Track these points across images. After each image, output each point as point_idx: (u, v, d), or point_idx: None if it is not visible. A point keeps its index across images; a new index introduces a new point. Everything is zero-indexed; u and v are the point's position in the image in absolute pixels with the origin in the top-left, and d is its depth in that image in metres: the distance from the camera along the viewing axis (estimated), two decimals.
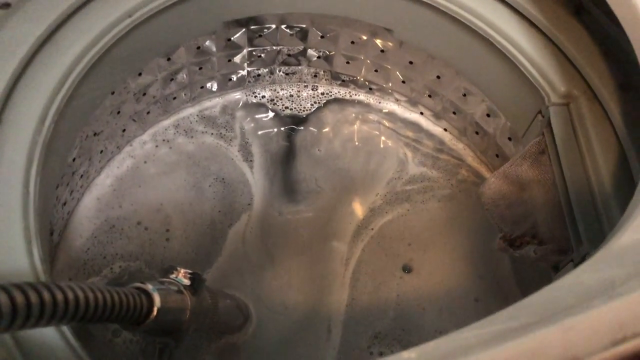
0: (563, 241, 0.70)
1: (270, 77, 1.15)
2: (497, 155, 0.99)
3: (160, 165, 1.05)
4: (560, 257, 0.70)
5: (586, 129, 0.69)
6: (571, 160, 0.69)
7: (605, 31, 0.74)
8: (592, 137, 0.68)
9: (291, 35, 1.03)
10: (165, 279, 0.65)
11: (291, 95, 1.17)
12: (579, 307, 0.34)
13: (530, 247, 0.75)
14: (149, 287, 0.56)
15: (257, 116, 1.14)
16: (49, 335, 0.52)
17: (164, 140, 1.08)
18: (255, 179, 1.05)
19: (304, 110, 1.16)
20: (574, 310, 0.34)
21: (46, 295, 0.39)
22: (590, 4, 0.75)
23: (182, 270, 0.66)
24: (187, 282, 0.66)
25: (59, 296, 0.41)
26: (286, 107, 1.16)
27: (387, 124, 1.14)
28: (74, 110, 0.72)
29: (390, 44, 0.99)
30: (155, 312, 0.55)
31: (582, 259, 0.63)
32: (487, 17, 0.78)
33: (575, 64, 0.73)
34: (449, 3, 0.80)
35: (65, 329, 0.53)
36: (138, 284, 0.57)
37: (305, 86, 1.18)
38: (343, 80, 1.14)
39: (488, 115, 0.96)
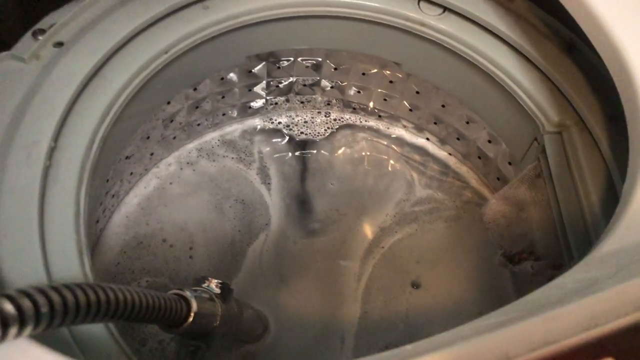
0: (557, 257, 0.76)
1: (286, 104, 1.23)
2: (498, 179, 1.06)
3: (184, 186, 1.13)
4: (555, 271, 0.77)
5: (577, 156, 0.76)
6: (564, 184, 0.76)
7: (594, 67, 0.81)
8: (583, 162, 0.75)
9: (306, 67, 1.11)
10: (198, 288, 0.72)
11: (306, 121, 1.25)
12: (560, 303, 0.41)
13: (528, 262, 0.81)
14: (187, 293, 0.63)
15: (274, 140, 1.22)
16: (96, 331, 0.59)
17: (187, 162, 1.16)
18: (273, 200, 1.13)
19: (317, 135, 1.23)
20: (555, 305, 0.41)
21: (111, 295, 0.47)
22: (581, 43, 0.83)
23: (213, 280, 0.73)
24: (217, 290, 0.73)
25: (120, 296, 0.48)
26: (301, 132, 1.23)
27: (395, 148, 1.22)
28: (115, 136, 0.80)
29: (398, 75, 1.08)
30: (192, 316, 0.62)
31: None
32: (487, 54, 0.86)
33: (567, 96, 0.81)
34: (453, 41, 0.88)
35: (113, 329, 0.60)
36: (177, 291, 0.64)
37: (319, 113, 1.26)
38: (354, 108, 1.23)
39: (489, 142, 1.03)
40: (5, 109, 0.68)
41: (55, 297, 0.41)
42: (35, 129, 0.67)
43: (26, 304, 0.38)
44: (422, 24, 0.89)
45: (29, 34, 0.75)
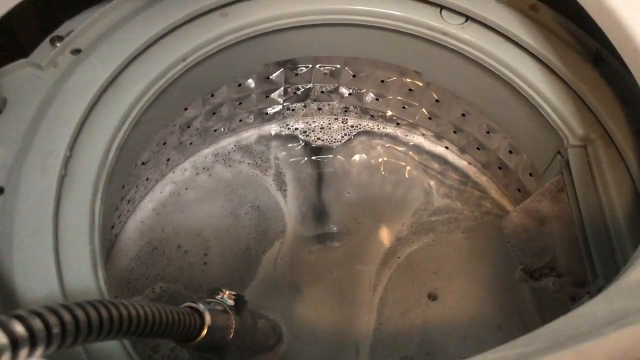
0: (580, 274, 0.74)
1: (303, 110, 1.22)
2: (518, 190, 1.04)
3: (200, 192, 1.12)
4: (577, 289, 0.75)
5: (602, 171, 0.74)
6: (588, 199, 0.74)
7: (621, 80, 0.79)
8: (608, 178, 0.73)
9: (325, 74, 1.10)
10: (211, 300, 0.71)
11: (322, 127, 1.24)
12: (591, 334, 0.39)
13: (549, 279, 0.79)
14: (201, 307, 0.62)
15: (290, 146, 1.21)
16: (112, 347, 0.58)
17: (203, 168, 1.15)
18: (289, 208, 1.11)
19: (334, 142, 1.22)
20: (586, 337, 0.39)
21: (123, 311, 0.46)
22: (608, 54, 0.81)
23: (227, 292, 0.72)
24: (231, 302, 0.72)
25: (133, 312, 0.47)
26: (318, 138, 1.22)
27: (413, 155, 1.20)
28: (132, 144, 0.80)
29: (418, 83, 1.06)
30: (206, 330, 0.61)
31: (598, 292, 0.68)
32: (510, 64, 0.84)
33: (592, 109, 0.78)
34: (475, 50, 0.86)
35: (127, 345, 0.59)
36: (191, 304, 0.63)
37: (336, 119, 1.24)
38: (372, 115, 1.21)
39: (510, 152, 1.01)
40: (22, 117, 0.68)
41: (67, 317, 0.40)
42: (52, 138, 0.67)
43: (37, 324, 0.38)
44: (444, 33, 0.87)
45: (47, 41, 0.75)
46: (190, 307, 0.62)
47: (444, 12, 0.88)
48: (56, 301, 0.59)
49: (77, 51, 0.75)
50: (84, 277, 0.62)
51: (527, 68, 0.84)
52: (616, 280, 0.48)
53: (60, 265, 0.61)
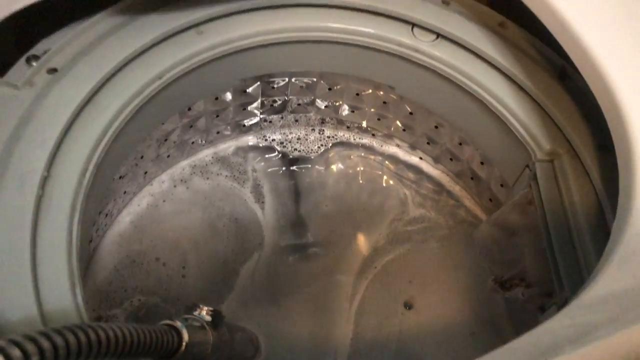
0: (548, 285, 0.77)
1: (280, 121, 1.23)
2: (490, 200, 1.07)
3: (178, 204, 1.13)
4: (546, 299, 0.77)
5: (568, 184, 0.77)
6: (555, 212, 0.76)
7: (586, 95, 0.82)
8: (574, 192, 0.76)
9: (301, 87, 1.12)
10: (189, 316, 0.72)
11: (299, 138, 1.25)
12: (553, 352, 0.41)
13: (519, 289, 0.82)
14: (178, 324, 0.63)
15: (267, 157, 1.22)
16: None
17: (181, 180, 1.16)
18: (266, 219, 1.13)
19: (311, 152, 1.24)
20: (546, 355, 0.41)
21: (101, 334, 0.47)
22: (573, 70, 0.84)
23: (205, 308, 0.73)
24: (208, 318, 0.73)
25: (111, 334, 0.48)
26: (295, 149, 1.24)
27: (389, 165, 1.22)
28: (109, 161, 0.80)
29: (392, 96, 1.08)
30: (184, 347, 0.62)
31: (564, 302, 0.71)
32: (480, 81, 0.87)
33: (559, 125, 0.81)
34: (445, 67, 0.88)
35: None
36: (168, 322, 0.64)
37: (312, 130, 1.26)
38: (348, 126, 1.23)
39: (482, 163, 1.04)
40: None
41: (59, 341, 0.42)
42: (28, 159, 0.67)
43: (31, 348, 0.39)
44: (416, 50, 0.90)
45: (22, 60, 0.75)
46: (168, 325, 0.63)
47: (415, 29, 0.91)
48: (34, 321, 0.60)
49: (53, 70, 0.75)
50: (63, 297, 0.63)
51: (496, 84, 0.86)
52: (579, 296, 0.51)
53: (38, 285, 0.61)
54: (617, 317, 0.44)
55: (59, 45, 0.77)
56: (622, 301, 0.47)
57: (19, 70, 0.74)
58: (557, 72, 0.85)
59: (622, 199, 0.57)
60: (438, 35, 0.90)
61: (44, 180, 0.67)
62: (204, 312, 0.73)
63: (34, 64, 0.75)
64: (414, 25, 0.91)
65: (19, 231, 0.63)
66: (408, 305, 1.04)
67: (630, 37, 0.66)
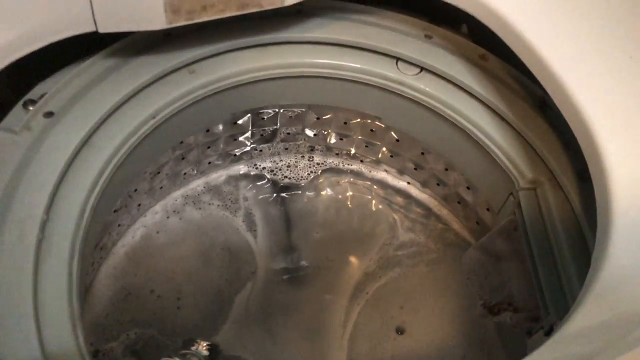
0: (535, 309, 0.80)
1: (270, 150, 1.25)
2: (477, 223, 1.10)
3: (171, 235, 1.14)
4: (533, 324, 0.80)
5: (551, 212, 0.80)
6: (538, 239, 0.79)
7: (565, 125, 0.85)
8: (556, 219, 0.79)
9: (290, 117, 1.15)
10: (187, 351, 0.74)
11: (289, 165, 1.28)
12: None
13: (507, 313, 0.85)
14: None
15: (258, 184, 1.24)
16: None
17: (174, 211, 1.18)
18: (259, 248, 1.15)
19: (301, 179, 1.26)
20: None
21: None
22: (551, 100, 0.87)
23: (202, 343, 0.75)
24: (206, 352, 0.75)
25: None
26: (285, 177, 1.26)
27: (378, 190, 1.25)
28: (105, 199, 0.82)
29: (379, 125, 1.11)
30: None
31: (550, 328, 0.73)
32: (463, 112, 0.90)
33: (540, 154, 0.84)
34: (429, 99, 0.92)
35: None
36: (166, 359, 0.66)
37: (302, 157, 1.29)
38: (337, 153, 1.26)
39: (468, 188, 1.07)
40: None
41: None
42: (28, 203, 0.69)
43: None
44: (400, 83, 0.93)
45: (19, 105, 0.77)
46: None
47: (400, 63, 0.94)
48: None
49: (49, 114, 0.77)
50: (65, 338, 0.64)
51: (478, 115, 0.89)
52: (558, 331, 0.53)
53: (40, 328, 0.63)
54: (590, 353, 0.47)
55: (55, 89, 0.79)
56: (599, 335, 0.49)
57: (17, 115, 0.76)
58: (537, 102, 0.88)
59: (599, 232, 0.60)
60: (422, 68, 0.93)
61: (44, 224, 0.69)
62: (202, 347, 0.75)
63: (31, 108, 0.77)
64: (398, 59, 0.94)
65: (21, 275, 0.65)
66: (400, 330, 1.06)
67: (605, 71, 0.70)
